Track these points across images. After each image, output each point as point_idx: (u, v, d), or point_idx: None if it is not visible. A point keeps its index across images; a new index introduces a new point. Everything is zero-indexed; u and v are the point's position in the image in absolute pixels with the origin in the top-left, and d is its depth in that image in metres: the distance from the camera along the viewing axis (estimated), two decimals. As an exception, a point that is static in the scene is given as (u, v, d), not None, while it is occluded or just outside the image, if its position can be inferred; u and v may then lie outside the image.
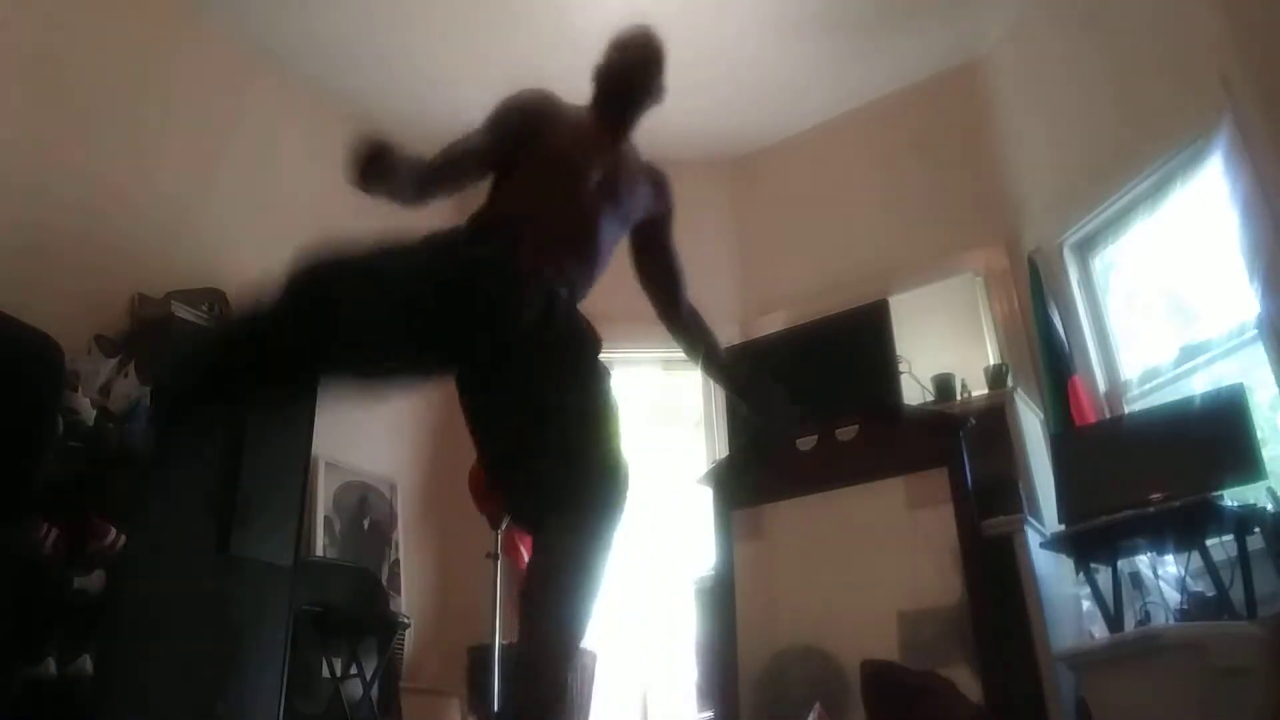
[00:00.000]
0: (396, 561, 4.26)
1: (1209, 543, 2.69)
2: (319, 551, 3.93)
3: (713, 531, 3.47)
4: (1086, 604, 3.12)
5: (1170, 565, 2.97)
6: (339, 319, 1.67)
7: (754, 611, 3.29)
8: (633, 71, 2.16)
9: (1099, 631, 3.00)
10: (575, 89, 2.16)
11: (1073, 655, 2.61)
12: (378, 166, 1.79)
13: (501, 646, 3.52)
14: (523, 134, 2.07)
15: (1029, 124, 4.23)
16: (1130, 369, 3.68)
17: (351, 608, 3.75)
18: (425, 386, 1.98)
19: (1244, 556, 2.62)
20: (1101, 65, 3.80)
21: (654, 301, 2.35)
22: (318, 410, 3.67)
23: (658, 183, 2.27)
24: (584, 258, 2.03)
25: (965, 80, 4.56)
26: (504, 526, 3.73)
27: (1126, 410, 3.56)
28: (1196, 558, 2.73)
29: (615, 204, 2.10)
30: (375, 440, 4.44)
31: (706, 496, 3.55)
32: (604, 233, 2.07)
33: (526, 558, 4.27)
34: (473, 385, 1.95)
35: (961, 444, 3.08)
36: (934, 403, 3.63)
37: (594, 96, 2.18)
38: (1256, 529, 2.66)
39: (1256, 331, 2.97)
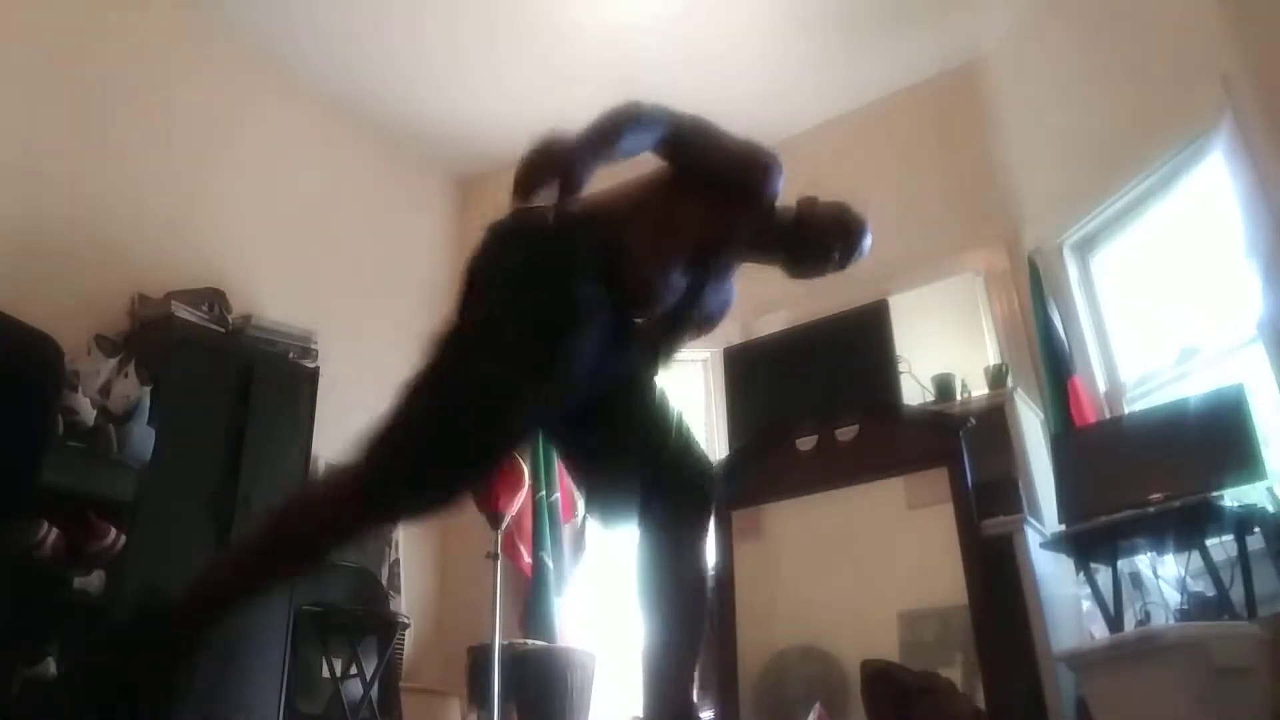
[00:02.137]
0: (396, 561, 4.26)
1: (1209, 543, 2.69)
2: (319, 551, 3.93)
3: (712, 531, 3.47)
4: (1086, 604, 3.12)
5: (1170, 565, 2.97)
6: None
7: (754, 611, 3.29)
8: (823, 248, 2.10)
9: (1099, 631, 3.00)
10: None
11: (1073, 655, 2.61)
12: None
13: (501, 646, 3.52)
14: (738, 188, 1.93)
15: (1029, 124, 4.23)
16: (1130, 369, 3.68)
17: (351, 608, 3.76)
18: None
19: (1244, 556, 2.62)
20: (1101, 65, 3.80)
21: None
22: (317, 410, 3.68)
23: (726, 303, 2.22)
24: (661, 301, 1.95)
25: (965, 80, 4.56)
26: (504, 526, 3.73)
27: (1126, 410, 3.56)
28: (1196, 558, 2.73)
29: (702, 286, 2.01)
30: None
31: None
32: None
33: (526, 558, 4.30)
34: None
35: (961, 444, 3.08)
36: (934, 403, 3.63)
37: (788, 212, 2.08)
38: (1256, 529, 2.66)
39: (1256, 331, 2.97)
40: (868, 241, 2.17)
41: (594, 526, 4.59)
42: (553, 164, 1.63)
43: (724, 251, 1.95)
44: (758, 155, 1.93)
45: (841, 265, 2.15)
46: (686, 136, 1.85)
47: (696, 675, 1.72)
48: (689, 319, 2.02)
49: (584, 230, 1.75)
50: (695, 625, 1.72)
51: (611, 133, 1.71)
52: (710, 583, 1.79)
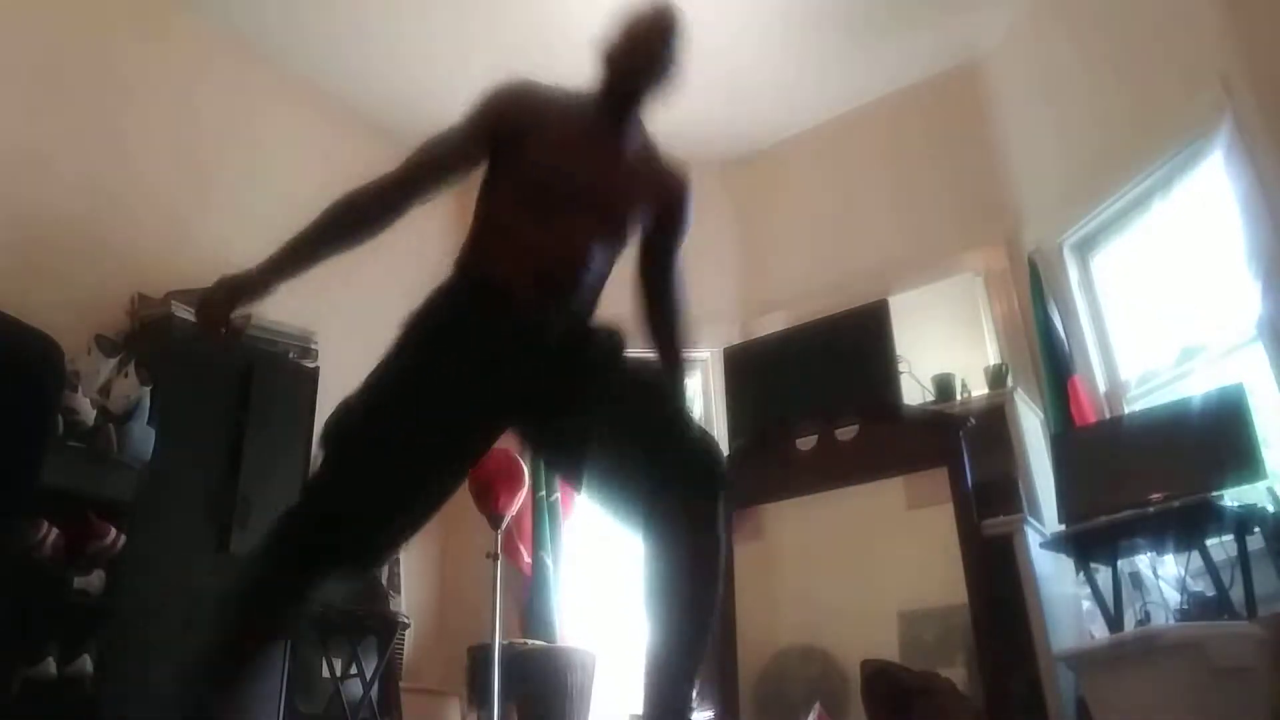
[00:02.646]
0: (396, 561, 4.26)
1: (1209, 543, 2.69)
2: (319, 551, 3.93)
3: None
4: (1086, 604, 3.12)
5: (1170, 565, 2.97)
6: (385, 460, 1.66)
7: (754, 612, 3.29)
8: (638, 49, 1.87)
9: (1099, 631, 3.00)
10: (573, 81, 2.05)
11: (1073, 655, 2.61)
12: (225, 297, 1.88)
13: (501, 646, 3.52)
14: (505, 131, 1.87)
15: (1029, 124, 4.23)
16: (1130, 369, 3.68)
17: (351, 608, 3.76)
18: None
19: (1244, 556, 2.62)
20: (1101, 65, 3.80)
21: (641, 319, 2.05)
22: (317, 410, 3.68)
23: (672, 189, 1.97)
24: (575, 278, 1.83)
25: (965, 80, 4.56)
26: (504, 526, 3.73)
27: (1126, 410, 3.55)
28: (1196, 558, 2.73)
29: (608, 215, 1.86)
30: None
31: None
32: (594, 251, 1.85)
33: (526, 558, 4.30)
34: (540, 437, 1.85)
35: (961, 444, 3.08)
36: (934, 403, 3.63)
37: (597, 81, 1.91)
38: (1256, 529, 2.66)
39: (1256, 332, 2.97)
40: (676, 16, 1.93)
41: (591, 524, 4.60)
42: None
43: (586, 186, 1.84)
44: (488, 100, 1.91)
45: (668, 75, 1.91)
46: (439, 167, 1.90)
47: (696, 676, 1.69)
48: (655, 261, 1.99)
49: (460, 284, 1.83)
50: (702, 624, 1.67)
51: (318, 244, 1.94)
52: (720, 580, 1.71)
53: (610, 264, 1.93)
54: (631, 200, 1.91)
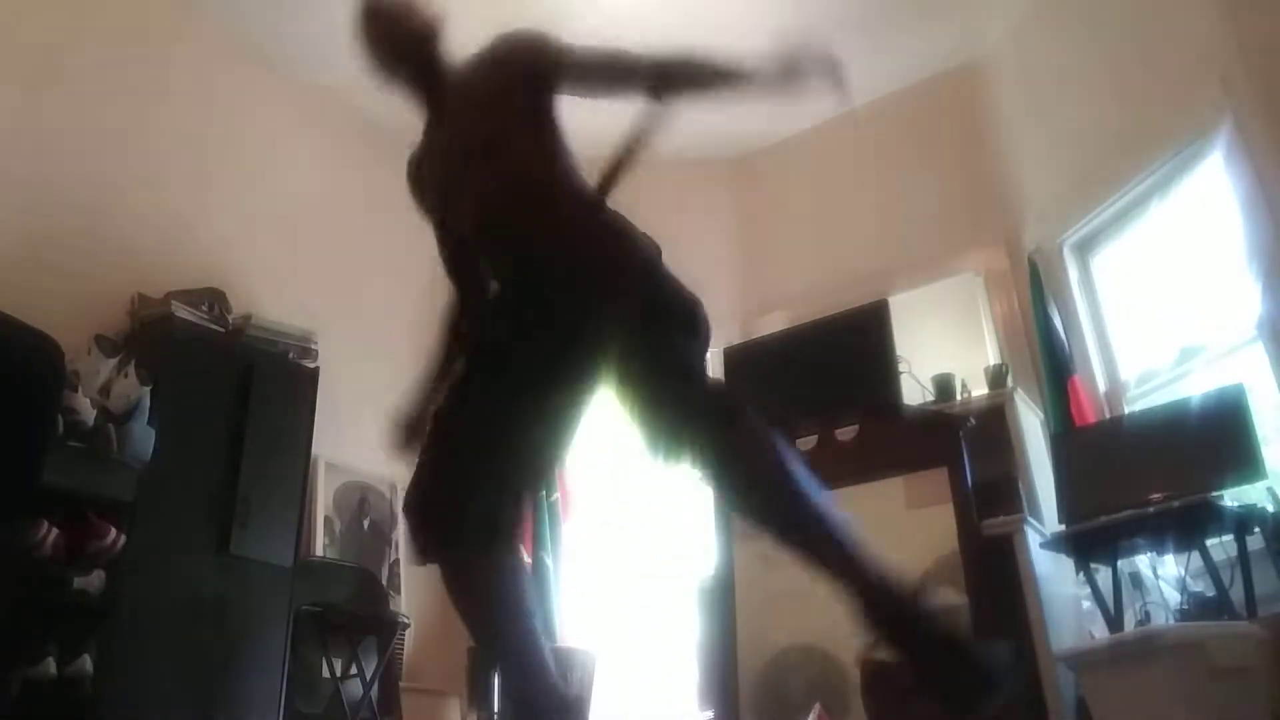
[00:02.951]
0: (396, 561, 4.26)
1: (1209, 543, 2.69)
2: (319, 551, 3.93)
3: (713, 531, 3.48)
4: (1086, 604, 3.12)
5: (1170, 565, 2.97)
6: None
7: (754, 611, 3.29)
8: (380, 45, 2.06)
9: (1099, 631, 3.00)
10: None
11: (1073, 655, 2.61)
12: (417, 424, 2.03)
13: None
14: (427, 204, 2.11)
15: (1029, 124, 4.23)
16: (1130, 369, 3.68)
17: (351, 608, 3.76)
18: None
19: (1244, 556, 2.63)
20: (1102, 65, 3.80)
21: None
22: (317, 410, 3.68)
23: (504, 60, 2.01)
24: (517, 212, 1.85)
25: (965, 80, 4.56)
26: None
27: (1126, 410, 3.56)
28: (1196, 558, 2.73)
29: (485, 146, 1.88)
30: (375, 440, 4.41)
31: (707, 496, 3.54)
32: (505, 177, 1.86)
33: (526, 559, 4.29)
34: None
35: (961, 444, 3.08)
36: (934, 403, 3.63)
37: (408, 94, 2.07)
38: (1256, 529, 2.66)
39: (1256, 332, 2.98)
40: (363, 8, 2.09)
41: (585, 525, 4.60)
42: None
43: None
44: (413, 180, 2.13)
45: None
46: (448, 264, 2.15)
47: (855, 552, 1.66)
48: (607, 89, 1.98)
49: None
50: (818, 518, 1.69)
51: None
52: (796, 473, 1.71)
53: (541, 162, 1.90)
54: (488, 112, 1.93)
